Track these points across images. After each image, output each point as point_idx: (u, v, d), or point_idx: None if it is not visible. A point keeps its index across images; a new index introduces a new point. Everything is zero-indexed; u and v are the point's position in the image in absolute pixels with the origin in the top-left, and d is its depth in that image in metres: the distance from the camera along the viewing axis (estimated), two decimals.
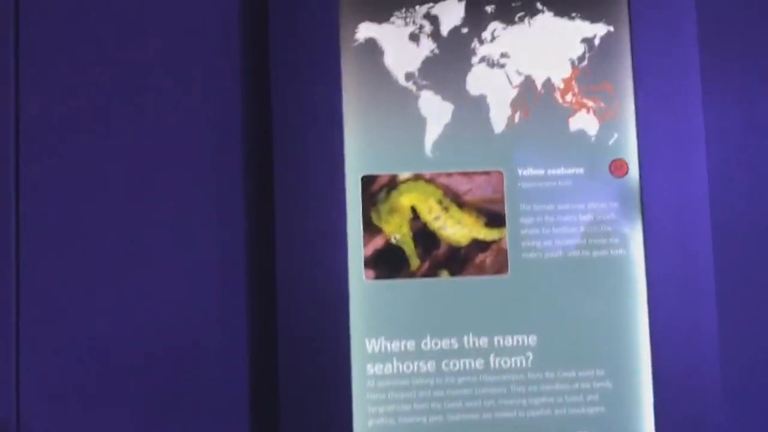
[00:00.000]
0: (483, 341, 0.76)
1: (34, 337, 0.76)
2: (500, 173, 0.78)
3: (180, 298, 0.77)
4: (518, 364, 0.76)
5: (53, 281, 0.77)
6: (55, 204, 0.77)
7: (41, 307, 0.76)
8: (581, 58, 0.80)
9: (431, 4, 0.79)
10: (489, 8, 0.79)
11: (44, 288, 0.76)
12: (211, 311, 0.78)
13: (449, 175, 0.78)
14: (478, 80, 0.79)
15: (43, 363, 0.76)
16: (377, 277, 0.77)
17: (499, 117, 0.79)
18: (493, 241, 0.78)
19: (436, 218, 0.78)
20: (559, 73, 0.80)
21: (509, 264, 0.78)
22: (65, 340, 0.76)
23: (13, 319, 0.76)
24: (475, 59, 0.79)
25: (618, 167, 0.79)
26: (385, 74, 0.78)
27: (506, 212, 0.78)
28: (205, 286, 0.78)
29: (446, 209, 0.78)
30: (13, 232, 0.77)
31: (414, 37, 0.79)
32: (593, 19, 0.80)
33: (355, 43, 0.78)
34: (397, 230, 0.77)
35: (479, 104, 0.79)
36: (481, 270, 0.78)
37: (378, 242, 0.77)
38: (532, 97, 0.79)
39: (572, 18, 0.80)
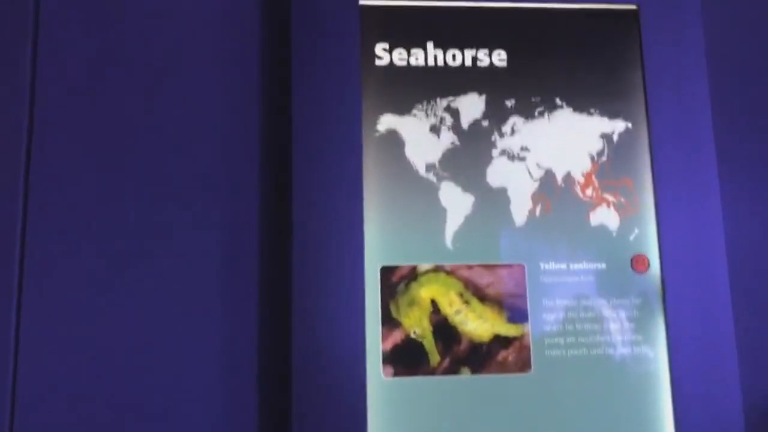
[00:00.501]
0: None
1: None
2: (522, 266, 0.77)
3: (187, 377, 0.74)
4: None
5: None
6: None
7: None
8: (600, 153, 0.80)
9: (452, 98, 0.79)
10: (509, 103, 0.80)
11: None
12: (220, 414, 0.74)
13: (470, 267, 0.76)
14: (499, 172, 0.78)
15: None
16: (396, 374, 0.74)
17: (520, 210, 0.78)
18: (516, 338, 0.76)
19: (457, 312, 0.76)
20: (579, 167, 0.79)
21: (532, 361, 0.75)
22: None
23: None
24: (495, 152, 0.79)
25: (640, 262, 0.78)
26: (405, 165, 0.77)
27: (528, 307, 0.76)
28: (213, 386, 0.74)
29: (467, 302, 0.76)
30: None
31: (435, 129, 0.78)
32: (612, 116, 0.81)
33: (377, 134, 0.77)
34: (416, 324, 0.75)
35: (500, 197, 0.78)
36: (503, 367, 0.75)
37: (397, 337, 0.75)
38: (552, 190, 0.79)
39: (591, 114, 0.81)
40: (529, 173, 0.79)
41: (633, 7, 0.82)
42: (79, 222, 0.75)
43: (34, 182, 0.76)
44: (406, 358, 0.74)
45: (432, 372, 0.74)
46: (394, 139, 0.78)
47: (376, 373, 0.73)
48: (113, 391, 0.73)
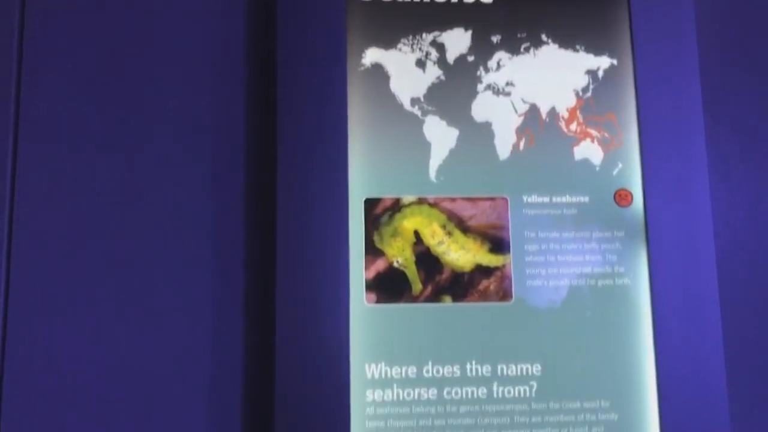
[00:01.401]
0: (486, 369, 0.74)
1: (20, 352, 0.74)
2: (505, 199, 0.78)
3: (176, 312, 0.75)
4: (522, 394, 0.74)
5: (44, 288, 0.75)
6: (50, 211, 0.76)
7: (29, 322, 0.74)
8: (585, 89, 0.81)
9: (438, 33, 0.80)
10: (495, 38, 0.80)
11: (33, 298, 0.75)
12: (207, 330, 0.75)
13: (453, 200, 0.77)
14: (484, 107, 0.79)
15: (27, 377, 0.73)
16: (378, 301, 0.75)
17: (504, 144, 0.79)
18: (497, 268, 0.77)
19: (440, 243, 0.77)
20: (564, 102, 0.80)
21: (513, 291, 0.76)
22: (51, 354, 0.74)
23: (0, 316, 0.74)
24: (480, 87, 0.79)
25: (623, 197, 0.79)
26: (390, 99, 0.78)
27: (511, 238, 0.77)
28: (201, 302, 0.76)
29: (450, 234, 0.77)
30: (5, 237, 0.75)
31: (420, 64, 0.79)
32: (597, 52, 0.81)
33: (362, 68, 0.79)
34: (399, 254, 0.76)
35: (484, 131, 0.79)
36: (484, 296, 0.76)
37: (380, 265, 0.76)
38: (536, 125, 0.79)
39: (576, 50, 0.81)
40: (514, 108, 0.80)
41: None
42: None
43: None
44: (388, 286, 0.75)
45: (414, 300, 0.75)
46: (379, 73, 0.79)
47: (359, 300, 0.75)
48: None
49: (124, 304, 0.75)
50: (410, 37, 0.79)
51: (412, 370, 0.74)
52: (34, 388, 0.73)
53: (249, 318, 0.76)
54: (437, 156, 0.78)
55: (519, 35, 0.81)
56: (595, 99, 0.80)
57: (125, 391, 0.74)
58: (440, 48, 0.80)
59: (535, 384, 0.74)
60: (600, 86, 0.81)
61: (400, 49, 0.79)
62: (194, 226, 0.77)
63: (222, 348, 0.75)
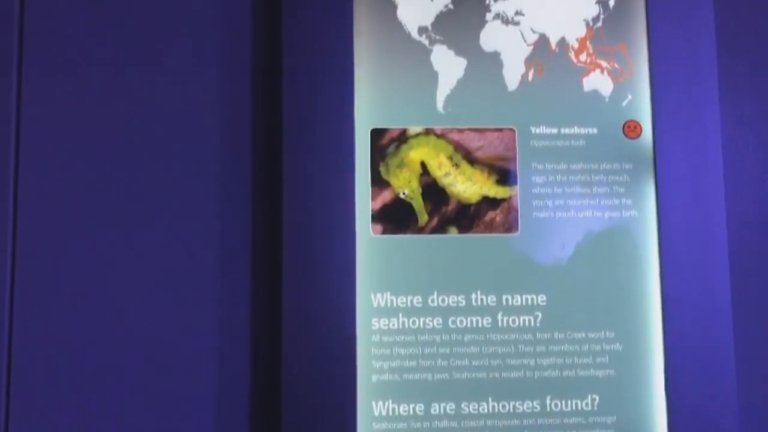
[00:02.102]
0: (491, 299, 0.75)
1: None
2: (513, 130, 0.77)
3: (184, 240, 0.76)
4: (527, 324, 0.75)
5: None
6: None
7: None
8: (596, 19, 0.79)
9: None
10: None
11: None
12: (215, 261, 0.76)
13: (461, 131, 0.77)
14: (492, 37, 0.78)
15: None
16: (384, 231, 0.75)
17: (513, 74, 0.78)
18: (504, 199, 0.76)
19: (446, 174, 0.76)
20: (574, 32, 0.79)
21: (519, 222, 0.76)
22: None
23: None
24: (489, 16, 0.78)
25: (632, 128, 0.78)
26: (398, 28, 0.77)
27: (518, 170, 0.77)
28: (210, 234, 0.76)
29: (457, 165, 0.77)
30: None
31: None
32: None
33: None
34: (405, 185, 0.76)
35: (493, 61, 0.78)
36: (490, 228, 0.76)
37: (386, 197, 0.76)
38: (546, 55, 0.78)
39: None
40: (523, 38, 0.78)
41: None
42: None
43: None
44: (394, 217, 0.75)
45: (420, 231, 0.75)
46: (386, 1, 0.77)
47: (365, 230, 0.75)
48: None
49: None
50: None
51: (417, 300, 0.74)
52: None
53: (254, 247, 0.76)
54: (445, 86, 0.77)
55: None
56: (606, 29, 0.79)
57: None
58: None
59: (539, 314, 0.75)
60: (610, 16, 0.79)
61: None
62: (202, 153, 0.77)
63: (227, 277, 0.76)
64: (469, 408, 0.73)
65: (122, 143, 0.76)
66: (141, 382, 0.74)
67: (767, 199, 0.81)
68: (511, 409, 0.73)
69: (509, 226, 0.76)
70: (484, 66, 0.78)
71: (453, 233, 0.76)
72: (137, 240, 0.75)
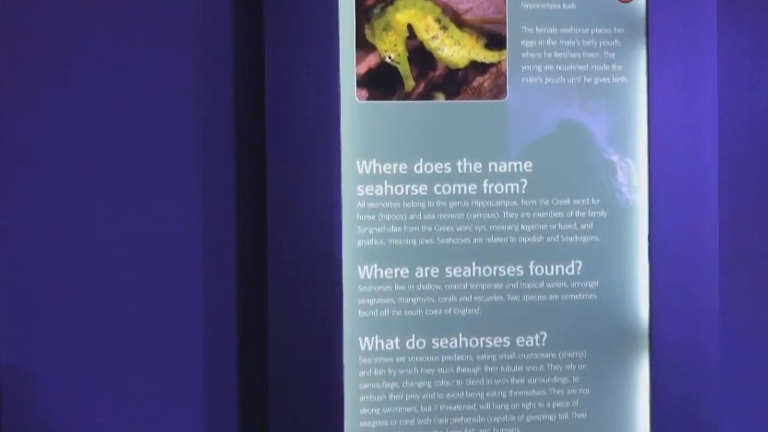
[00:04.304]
0: (477, 166, 0.74)
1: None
2: None
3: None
4: (512, 191, 0.74)
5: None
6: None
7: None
8: None
9: None
10: None
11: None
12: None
13: None
14: None
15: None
16: (370, 97, 0.74)
17: None
18: (492, 64, 0.75)
19: (434, 38, 0.74)
20: None
21: (508, 88, 0.75)
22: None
23: None
24: None
25: None
26: None
27: (507, 34, 0.74)
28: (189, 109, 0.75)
29: (445, 28, 0.74)
30: None
31: None
32: None
33: None
34: (392, 49, 0.74)
35: None
36: (478, 93, 0.74)
37: (371, 61, 0.74)
38: None
39: None
40: None
41: None
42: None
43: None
44: (380, 82, 0.74)
45: (406, 97, 0.74)
46: None
47: (350, 96, 0.73)
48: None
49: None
50: None
51: (402, 167, 0.74)
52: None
53: (238, 123, 0.75)
54: None
55: None
56: None
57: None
58: None
59: (525, 181, 0.74)
60: None
61: None
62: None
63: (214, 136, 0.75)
64: (453, 272, 0.74)
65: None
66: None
67: (759, 60, 0.80)
68: (495, 273, 0.74)
69: (497, 91, 0.75)
70: None
71: (440, 99, 0.74)
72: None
